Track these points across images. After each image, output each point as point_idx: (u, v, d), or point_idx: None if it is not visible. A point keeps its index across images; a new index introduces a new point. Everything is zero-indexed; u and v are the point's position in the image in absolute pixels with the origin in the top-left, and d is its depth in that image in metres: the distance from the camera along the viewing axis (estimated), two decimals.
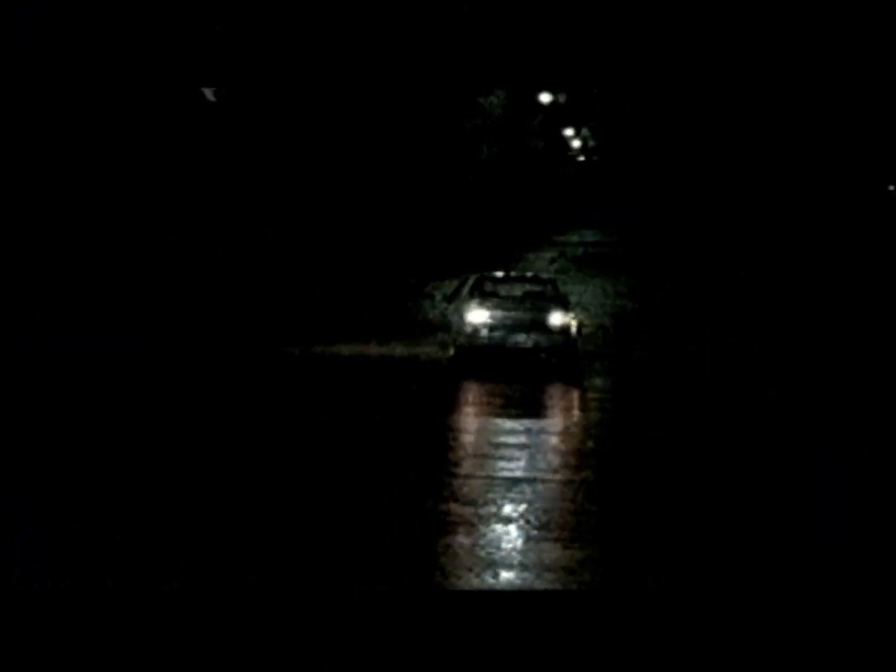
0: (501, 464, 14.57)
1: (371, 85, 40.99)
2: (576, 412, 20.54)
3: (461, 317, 23.99)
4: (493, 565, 10.12)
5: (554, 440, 17.06)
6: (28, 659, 7.56)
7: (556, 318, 23.76)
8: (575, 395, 21.92)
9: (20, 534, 10.83)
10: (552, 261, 52.08)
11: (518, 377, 22.63)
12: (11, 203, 26.60)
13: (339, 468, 14.18)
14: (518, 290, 26.00)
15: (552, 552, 10.55)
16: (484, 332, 23.54)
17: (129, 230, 29.23)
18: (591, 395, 21.76)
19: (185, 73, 32.53)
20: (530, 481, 13.61)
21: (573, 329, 23.86)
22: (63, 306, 25.70)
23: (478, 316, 23.68)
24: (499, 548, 10.71)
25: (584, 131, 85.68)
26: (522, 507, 12.22)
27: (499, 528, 11.43)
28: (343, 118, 39.83)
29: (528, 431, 17.08)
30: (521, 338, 23.54)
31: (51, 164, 27.58)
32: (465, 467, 14.50)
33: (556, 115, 73.51)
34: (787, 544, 11.31)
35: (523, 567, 10.14)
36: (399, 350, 26.36)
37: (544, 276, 28.45)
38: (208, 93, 34.19)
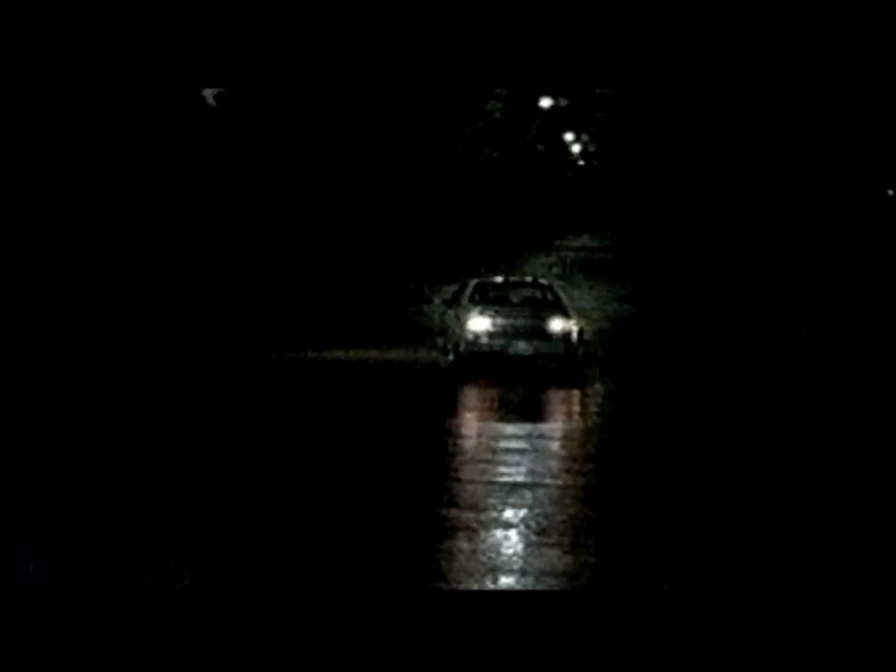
0: (502, 469, 14.58)
1: (371, 89, 41.00)
2: (576, 417, 20.54)
3: (461, 323, 23.97)
4: (494, 570, 10.13)
5: (554, 445, 17.08)
6: (29, 659, 7.58)
7: (557, 325, 23.76)
8: (575, 400, 21.93)
9: (18, 533, 10.85)
10: (552, 266, 52.16)
11: (518, 383, 22.63)
12: (8, 204, 26.60)
13: (338, 471, 14.19)
14: (518, 296, 25.99)
15: (552, 557, 10.55)
16: (485, 340, 23.53)
17: (127, 231, 29.24)
18: (591, 399, 21.77)
19: (186, 76, 32.55)
20: (531, 486, 13.62)
21: (574, 335, 23.85)
22: (64, 307, 25.70)
23: (478, 323, 23.66)
24: (499, 553, 10.71)
25: (585, 136, 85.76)
26: (523, 512, 12.23)
27: (499, 533, 11.44)
28: (343, 121, 39.85)
29: (528, 436, 17.09)
30: (521, 345, 23.54)
31: (50, 165, 27.58)
32: (466, 472, 14.51)
33: (557, 120, 73.58)
34: (787, 544, 11.32)
35: (523, 572, 10.15)
36: (398, 354, 26.37)
37: (543, 280, 28.45)
38: (208, 96, 34.20)
